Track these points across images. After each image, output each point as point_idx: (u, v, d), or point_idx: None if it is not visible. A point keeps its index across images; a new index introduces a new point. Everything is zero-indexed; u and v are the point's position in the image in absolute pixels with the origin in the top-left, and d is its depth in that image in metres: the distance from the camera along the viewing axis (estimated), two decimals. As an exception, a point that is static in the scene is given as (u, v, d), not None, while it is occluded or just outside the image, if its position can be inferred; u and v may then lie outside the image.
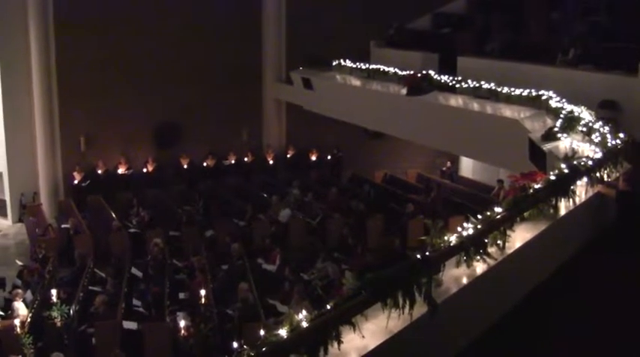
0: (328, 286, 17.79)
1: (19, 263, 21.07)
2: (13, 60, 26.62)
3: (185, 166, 29.31)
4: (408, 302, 7.83)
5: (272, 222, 24.08)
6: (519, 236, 9.91)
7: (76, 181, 27.42)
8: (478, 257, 9.11)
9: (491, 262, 9.17)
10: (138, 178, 28.45)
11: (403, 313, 7.82)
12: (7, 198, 27.69)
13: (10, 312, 17.52)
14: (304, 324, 7.11)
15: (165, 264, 20.55)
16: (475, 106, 19.57)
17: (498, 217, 9.62)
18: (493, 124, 18.59)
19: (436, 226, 9.05)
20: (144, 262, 20.75)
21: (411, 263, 8.09)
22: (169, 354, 16.42)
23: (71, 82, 27.02)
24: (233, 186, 29.10)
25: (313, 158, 31.04)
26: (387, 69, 24.09)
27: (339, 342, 7.26)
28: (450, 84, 21.08)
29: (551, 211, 10.80)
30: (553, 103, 17.02)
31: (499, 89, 19.31)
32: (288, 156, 30.98)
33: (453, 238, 8.86)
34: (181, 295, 18.46)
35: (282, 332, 7.00)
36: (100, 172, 27.89)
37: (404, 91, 22.09)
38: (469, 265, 9.03)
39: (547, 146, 14.51)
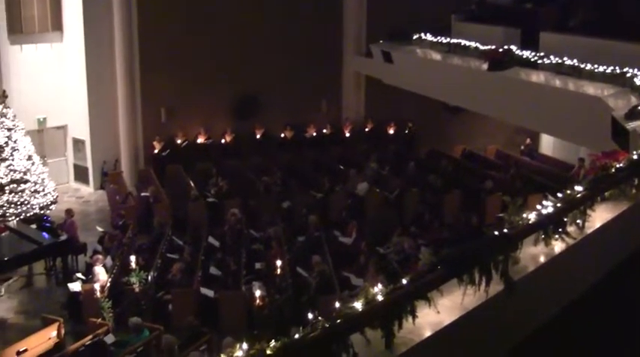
0: (404, 261, 17.78)
1: (100, 229, 21.51)
2: (96, 32, 26.95)
3: (258, 137, 29.37)
4: (484, 279, 7.80)
5: (349, 195, 24.08)
6: (599, 216, 9.77)
7: (156, 151, 27.74)
8: (557, 236, 9.01)
9: (570, 241, 9.06)
10: (217, 149, 28.68)
11: (479, 290, 7.79)
12: (90, 165, 28.18)
13: (90, 276, 17.97)
14: (379, 298, 7.14)
15: (242, 234, 20.74)
16: (557, 82, 19.29)
17: (578, 196, 9.50)
18: (575, 102, 18.31)
19: (515, 203, 8.98)
20: (221, 232, 20.97)
21: (489, 240, 8.05)
22: (244, 323, 16.65)
23: (153, 55, 27.25)
24: (311, 158, 29.14)
25: (391, 132, 30.87)
26: (468, 43, 23.90)
27: (414, 317, 7.29)
28: (532, 60, 20.83)
29: (633, 191, 10.61)
30: (638, 81, 16.68)
31: (582, 66, 18.99)
32: (367, 129, 30.87)
33: (531, 216, 8.78)
34: (257, 265, 18.63)
35: (358, 305, 7.04)
36: (179, 141, 28.17)
37: (485, 66, 21.89)
38: (547, 244, 8.94)
39: (631, 125, 14.27)
